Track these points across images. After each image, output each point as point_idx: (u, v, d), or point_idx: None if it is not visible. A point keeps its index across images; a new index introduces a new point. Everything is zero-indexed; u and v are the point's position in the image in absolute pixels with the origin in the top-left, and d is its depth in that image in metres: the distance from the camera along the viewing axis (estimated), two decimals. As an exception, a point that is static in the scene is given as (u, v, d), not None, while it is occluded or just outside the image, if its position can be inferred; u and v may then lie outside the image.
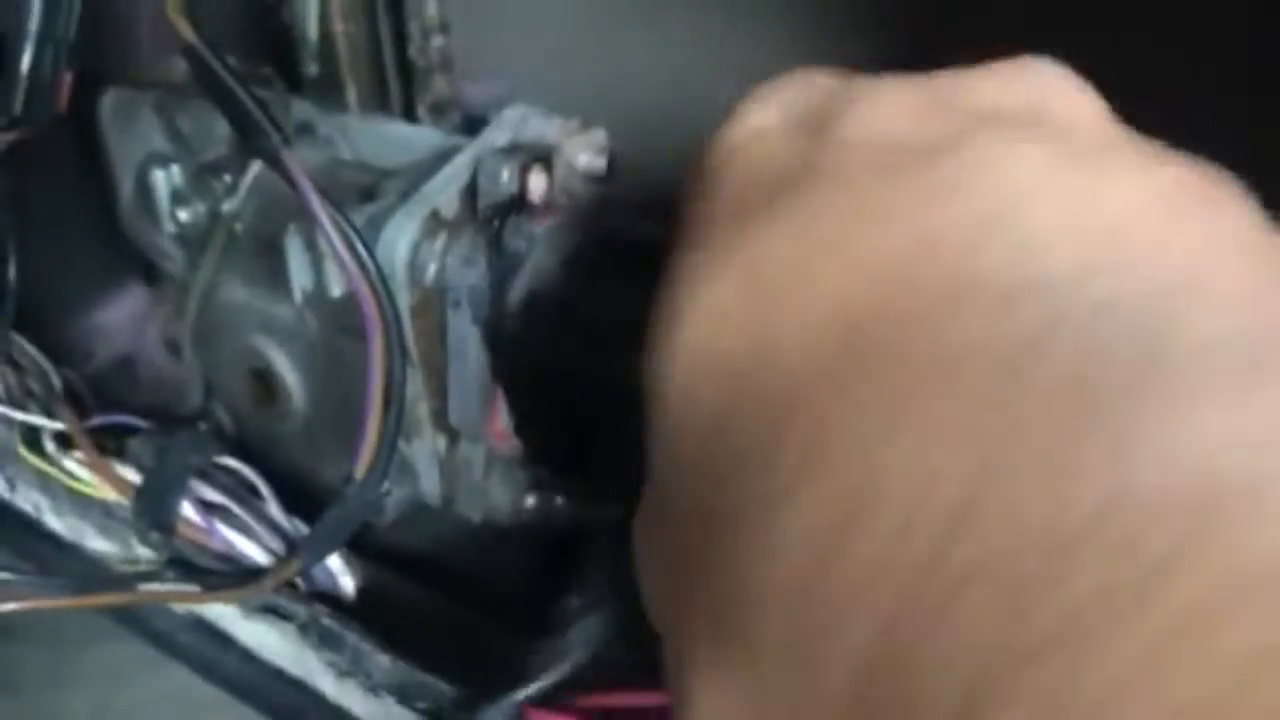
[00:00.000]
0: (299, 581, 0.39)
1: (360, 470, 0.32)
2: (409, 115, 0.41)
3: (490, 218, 0.33)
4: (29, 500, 0.44)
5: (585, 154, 0.35)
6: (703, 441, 0.17)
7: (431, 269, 0.34)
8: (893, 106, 0.18)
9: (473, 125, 0.39)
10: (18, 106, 0.36)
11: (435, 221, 0.34)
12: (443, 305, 0.35)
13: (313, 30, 0.40)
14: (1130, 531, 0.12)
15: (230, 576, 0.38)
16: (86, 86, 0.39)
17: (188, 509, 0.38)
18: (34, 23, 0.36)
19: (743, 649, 0.15)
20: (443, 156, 0.36)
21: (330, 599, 0.39)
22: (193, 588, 0.38)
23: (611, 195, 0.36)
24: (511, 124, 0.36)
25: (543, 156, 0.34)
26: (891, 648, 0.13)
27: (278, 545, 0.38)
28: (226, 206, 0.39)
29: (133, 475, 0.39)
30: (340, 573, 0.39)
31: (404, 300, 0.34)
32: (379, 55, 0.40)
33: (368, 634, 0.38)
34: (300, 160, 0.31)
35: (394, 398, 0.32)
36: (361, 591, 0.39)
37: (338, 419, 0.40)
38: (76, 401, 0.42)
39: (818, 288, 0.16)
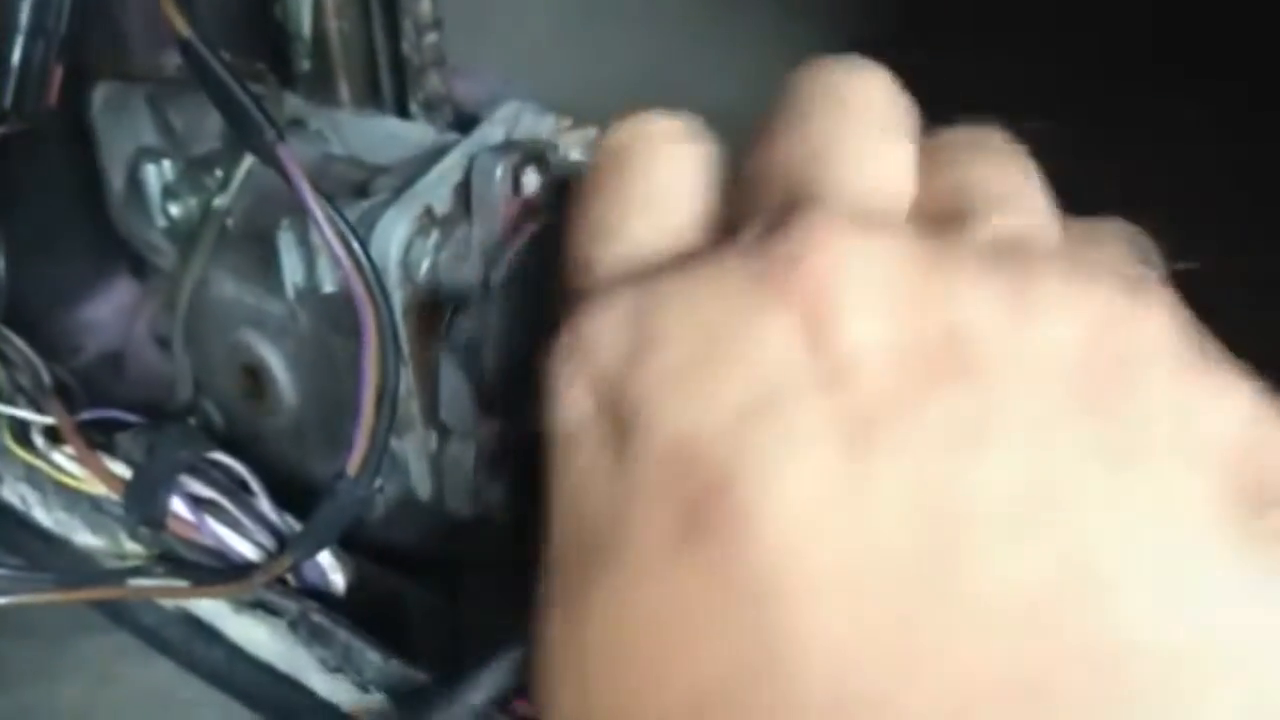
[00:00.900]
0: (289, 577, 0.39)
1: (353, 467, 0.32)
2: (402, 111, 0.41)
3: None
4: (17, 494, 0.44)
5: (578, 151, 0.35)
6: None
7: (424, 266, 0.34)
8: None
9: (465, 122, 0.39)
10: (8, 100, 0.36)
11: (428, 218, 0.34)
12: (435, 301, 0.35)
13: (306, 26, 0.40)
14: None
15: (220, 572, 0.38)
16: (77, 80, 0.39)
17: (177, 504, 0.38)
18: (24, 15, 0.35)
19: None
20: (436, 153, 0.36)
21: (320, 595, 0.39)
22: (182, 583, 0.38)
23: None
24: (505, 121, 0.36)
25: (536, 154, 0.34)
26: None
27: (268, 541, 0.38)
28: (218, 201, 0.39)
29: (122, 470, 0.39)
30: (331, 569, 0.38)
31: (396, 297, 0.34)
32: (372, 51, 0.40)
33: (358, 630, 0.37)
34: (295, 155, 0.31)
35: (387, 394, 0.32)
36: (351, 588, 0.39)
37: (329, 415, 0.40)
38: (66, 396, 0.41)
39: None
